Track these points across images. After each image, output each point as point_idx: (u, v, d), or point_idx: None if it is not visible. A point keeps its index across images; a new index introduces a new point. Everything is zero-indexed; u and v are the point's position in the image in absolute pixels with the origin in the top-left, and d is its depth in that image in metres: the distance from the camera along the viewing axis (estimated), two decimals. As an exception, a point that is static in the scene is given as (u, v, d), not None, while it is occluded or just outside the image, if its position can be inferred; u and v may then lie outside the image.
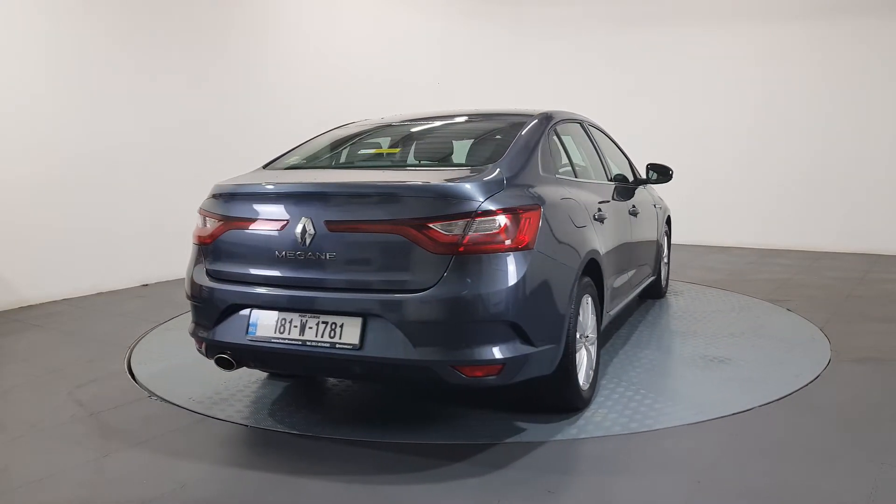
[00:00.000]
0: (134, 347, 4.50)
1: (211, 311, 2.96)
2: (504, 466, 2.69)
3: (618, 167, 4.72)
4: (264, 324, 2.82)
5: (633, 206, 4.52)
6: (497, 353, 2.63)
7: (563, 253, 3.01)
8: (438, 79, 9.94)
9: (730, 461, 2.72)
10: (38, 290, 5.95)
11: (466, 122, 4.08)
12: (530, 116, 3.62)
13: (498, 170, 2.90)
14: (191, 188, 7.20)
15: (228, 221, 2.98)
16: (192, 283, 3.09)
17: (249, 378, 3.81)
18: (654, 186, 5.59)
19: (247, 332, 2.84)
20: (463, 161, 3.38)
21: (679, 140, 9.53)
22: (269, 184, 3.05)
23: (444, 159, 3.77)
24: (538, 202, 2.88)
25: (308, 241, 2.75)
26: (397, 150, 3.87)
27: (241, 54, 7.69)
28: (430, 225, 2.62)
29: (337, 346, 2.68)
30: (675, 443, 2.91)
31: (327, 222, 2.74)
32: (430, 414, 3.30)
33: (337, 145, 3.90)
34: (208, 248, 3.04)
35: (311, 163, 3.65)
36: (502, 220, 2.66)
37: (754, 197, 9.26)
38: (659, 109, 9.76)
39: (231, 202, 3.03)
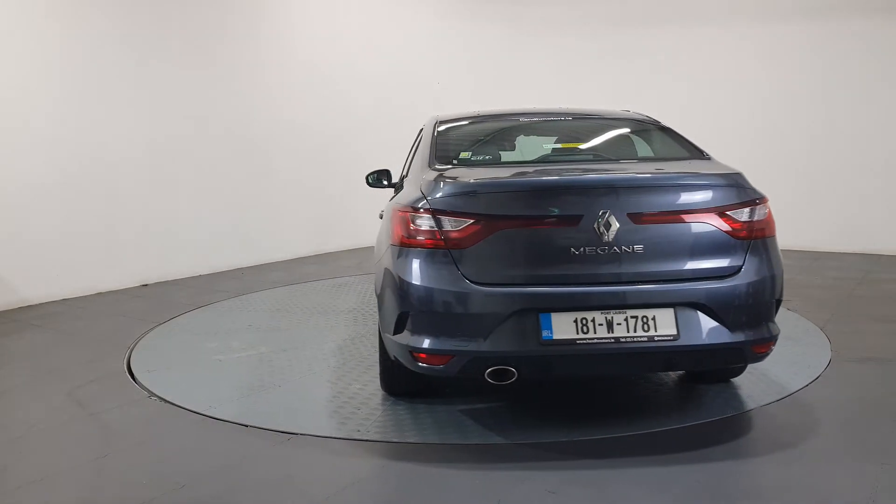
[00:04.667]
0: (134, 347, 4.50)
1: (482, 320, 2.67)
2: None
3: None
4: (561, 326, 2.64)
5: None
6: (775, 328, 2.88)
7: None
8: (438, 78, 9.94)
9: (730, 461, 2.72)
10: (38, 290, 5.96)
11: (599, 119, 4.17)
12: (639, 114, 4.12)
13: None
14: (190, 188, 7.23)
15: (498, 220, 2.72)
16: (444, 293, 2.71)
17: (248, 377, 3.82)
18: None
19: (540, 338, 2.64)
20: (671, 155, 3.54)
21: (679, 140, 9.52)
22: (551, 179, 2.90)
23: (652, 153, 3.76)
24: None
25: (611, 235, 2.67)
26: (578, 144, 3.95)
27: (240, 55, 7.69)
28: (730, 213, 2.81)
29: (655, 339, 2.65)
30: (675, 443, 2.92)
31: (631, 215, 2.70)
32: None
33: (502, 138, 3.91)
34: (463, 253, 2.71)
35: (496, 158, 3.61)
36: (767, 206, 2.95)
37: (754, 197, 9.25)
38: (658, 109, 9.64)
39: (500, 200, 2.78)
